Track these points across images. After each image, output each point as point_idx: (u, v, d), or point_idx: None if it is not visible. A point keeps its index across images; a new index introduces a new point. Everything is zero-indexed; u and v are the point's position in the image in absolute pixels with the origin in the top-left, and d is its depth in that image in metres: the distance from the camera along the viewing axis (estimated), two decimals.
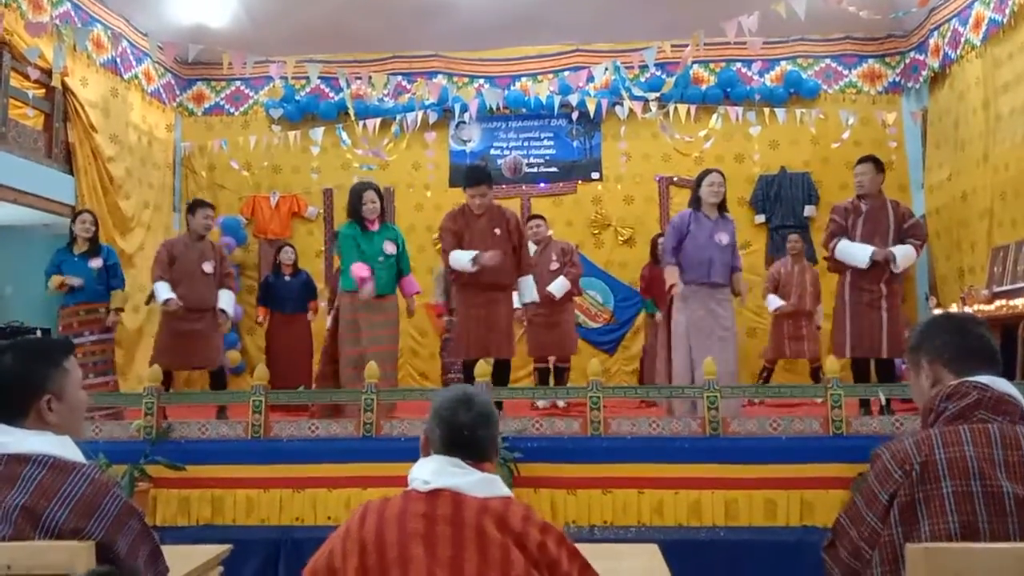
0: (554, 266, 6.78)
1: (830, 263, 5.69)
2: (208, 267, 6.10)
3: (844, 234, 5.48)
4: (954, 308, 6.61)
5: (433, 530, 1.60)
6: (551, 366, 6.97)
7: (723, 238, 5.37)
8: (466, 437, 1.75)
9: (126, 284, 6.56)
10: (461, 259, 5.39)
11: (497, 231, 5.52)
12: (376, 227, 5.68)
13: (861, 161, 5.55)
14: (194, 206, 6.29)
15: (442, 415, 1.79)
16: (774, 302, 7.39)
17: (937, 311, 7.03)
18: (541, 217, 7.18)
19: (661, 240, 6.50)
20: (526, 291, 5.72)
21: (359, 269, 5.37)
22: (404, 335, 9.47)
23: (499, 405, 5.32)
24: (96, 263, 6.23)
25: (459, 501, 1.65)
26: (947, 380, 1.76)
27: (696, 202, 5.56)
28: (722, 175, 5.56)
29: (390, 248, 5.66)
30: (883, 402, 4.90)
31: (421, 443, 1.84)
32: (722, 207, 5.54)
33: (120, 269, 6.46)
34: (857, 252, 5.35)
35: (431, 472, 1.71)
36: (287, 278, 7.65)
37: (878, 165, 5.49)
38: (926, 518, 1.57)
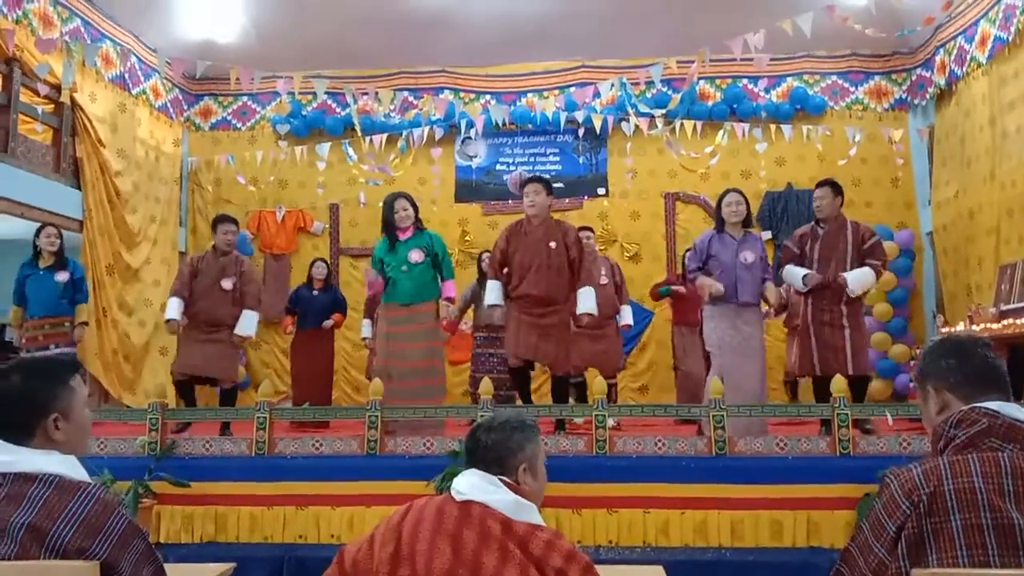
0: (604, 280, 6.64)
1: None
2: (227, 284, 6.02)
3: (795, 260, 5.51)
4: (961, 326, 6.57)
5: (461, 533, 1.73)
6: (583, 379, 6.65)
7: (748, 256, 5.34)
8: (481, 444, 1.96)
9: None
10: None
11: (552, 244, 5.39)
12: (407, 236, 5.60)
13: (819, 185, 5.59)
14: (216, 222, 6.25)
15: (471, 431, 2.02)
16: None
17: (944, 330, 6.99)
18: (589, 229, 7.08)
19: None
20: (585, 301, 5.45)
21: (368, 275, 5.39)
22: None
23: (560, 424, 5.37)
24: (62, 276, 6.25)
25: (487, 514, 1.77)
26: (955, 406, 1.73)
27: (720, 223, 5.54)
28: (740, 193, 5.53)
29: (415, 256, 5.51)
30: (890, 421, 4.87)
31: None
32: (747, 223, 5.52)
33: (85, 283, 6.50)
34: (796, 275, 5.42)
35: (468, 485, 1.85)
36: (315, 292, 7.59)
37: (835, 189, 5.50)
38: (935, 551, 1.54)
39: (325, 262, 7.86)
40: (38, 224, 7.45)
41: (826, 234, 5.46)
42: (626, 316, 6.78)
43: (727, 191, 5.61)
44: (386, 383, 4.92)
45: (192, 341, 5.97)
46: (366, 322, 7.36)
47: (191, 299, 5.98)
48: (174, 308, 5.90)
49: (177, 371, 6.00)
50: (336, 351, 8.76)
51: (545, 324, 5.37)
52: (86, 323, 6.45)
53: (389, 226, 5.63)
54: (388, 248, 5.62)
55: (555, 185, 9.80)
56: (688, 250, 7.10)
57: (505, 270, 5.60)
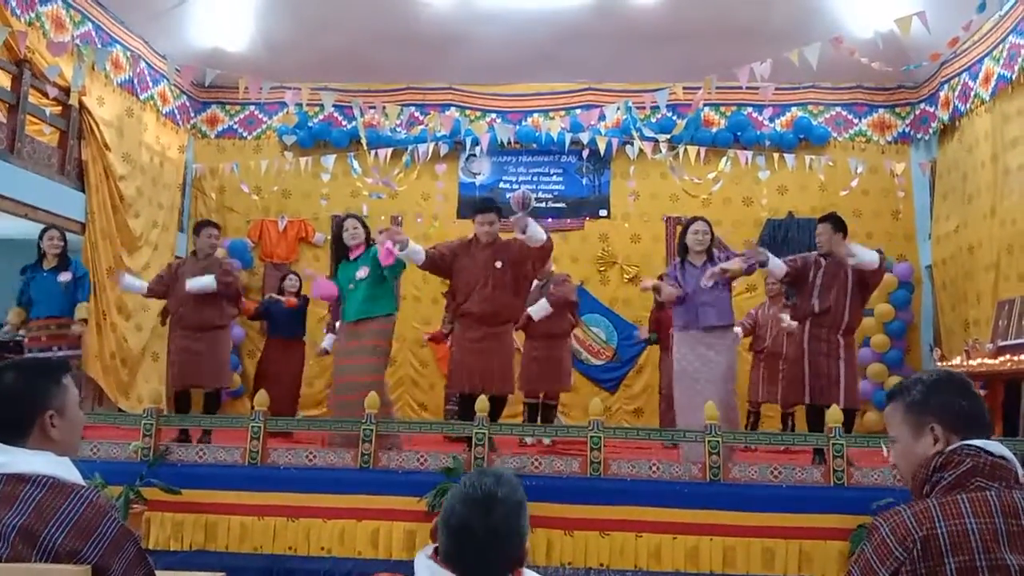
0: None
1: (791, 311, 5.74)
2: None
3: (796, 274, 5.49)
4: (958, 360, 6.58)
5: None
6: (540, 402, 6.83)
7: (706, 282, 5.35)
8: (474, 554, 1.47)
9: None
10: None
11: (499, 264, 5.39)
12: (358, 254, 5.61)
13: (820, 220, 5.61)
14: (199, 227, 6.26)
15: (451, 523, 1.49)
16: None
17: (939, 364, 6.99)
18: None
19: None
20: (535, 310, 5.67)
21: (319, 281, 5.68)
22: (404, 365, 9.51)
23: (491, 443, 5.28)
24: (65, 277, 6.25)
25: None
26: (952, 444, 1.70)
27: (683, 250, 5.62)
28: (707, 223, 5.58)
29: (361, 272, 5.49)
30: (885, 453, 4.86)
31: (433, 525, 1.62)
32: (709, 254, 5.54)
33: (88, 282, 6.50)
34: (778, 263, 5.39)
35: None
36: (283, 303, 7.63)
37: (836, 224, 5.51)
38: None
39: (297, 275, 7.94)
40: (41, 225, 7.49)
41: (828, 265, 5.47)
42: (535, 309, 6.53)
43: (695, 219, 5.68)
44: (333, 398, 4.94)
45: (180, 351, 5.94)
46: (328, 336, 7.30)
47: (174, 304, 6.02)
48: (136, 283, 6.20)
49: (172, 386, 6.08)
50: (329, 366, 8.72)
51: (489, 349, 5.36)
52: (85, 320, 6.43)
53: (339, 245, 5.71)
54: (342, 267, 5.68)
55: (558, 205, 9.92)
56: (661, 275, 7.11)
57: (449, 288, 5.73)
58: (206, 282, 5.85)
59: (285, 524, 4.40)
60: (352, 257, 5.62)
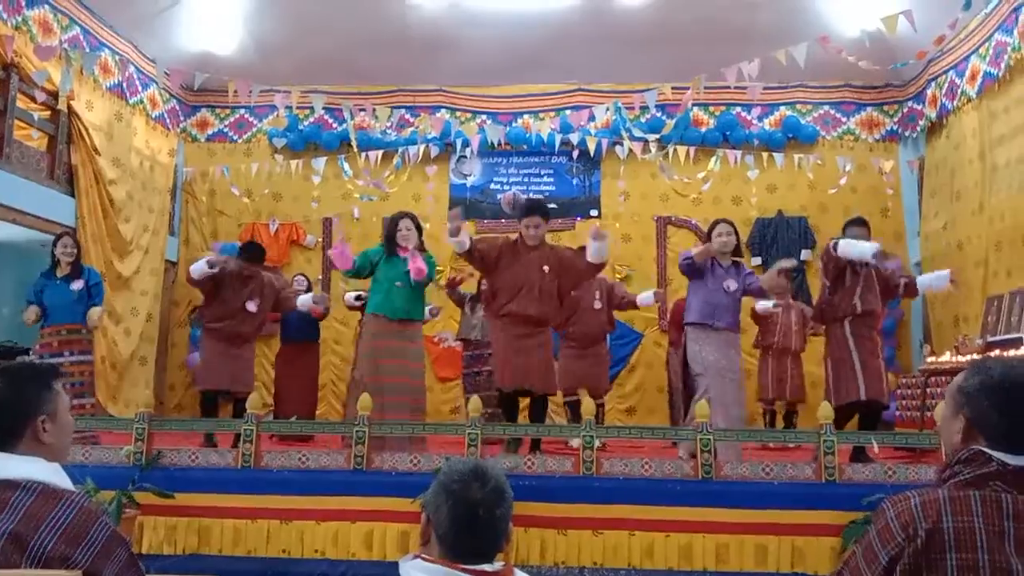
0: (597, 304, 6.70)
1: (821, 313, 5.75)
2: (251, 307, 6.14)
3: (838, 271, 5.51)
4: (948, 356, 6.61)
5: None
6: (577, 399, 6.79)
7: (731, 284, 5.45)
8: (480, 517, 1.51)
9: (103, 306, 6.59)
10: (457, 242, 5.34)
11: (546, 268, 5.41)
12: (405, 254, 5.60)
13: (853, 224, 5.68)
14: (245, 250, 6.39)
15: (451, 488, 1.53)
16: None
17: (929, 359, 7.02)
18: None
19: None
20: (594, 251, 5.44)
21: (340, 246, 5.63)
22: None
23: (536, 444, 5.39)
24: (77, 285, 6.24)
25: None
26: (977, 443, 1.66)
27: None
28: (731, 224, 5.61)
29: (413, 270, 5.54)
30: (875, 449, 4.90)
31: (421, 525, 1.59)
32: (736, 253, 5.61)
33: (102, 288, 6.48)
34: (863, 246, 5.34)
35: None
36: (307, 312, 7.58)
37: (868, 227, 5.68)
38: None
39: (306, 277, 7.91)
40: (30, 231, 7.48)
41: (869, 267, 5.52)
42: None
43: (718, 221, 5.68)
44: (376, 398, 4.89)
45: (217, 356, 6.10)
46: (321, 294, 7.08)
47: (214, 317, 6.15)
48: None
49: (202, 386, 6.21)
50: (324, 365, 8.73)
51: (531, 347, 5.38)
52: (95, 326, 6.42)
53: (389, 241, 5.67)
54: (385, 259, 5.65)
55: (549, 206, 9.88)
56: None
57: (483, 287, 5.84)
58: (310, 301, 6.45)
59: (279, 527, 4.39)
60: (402, 255, 5.61)
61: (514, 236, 5.63)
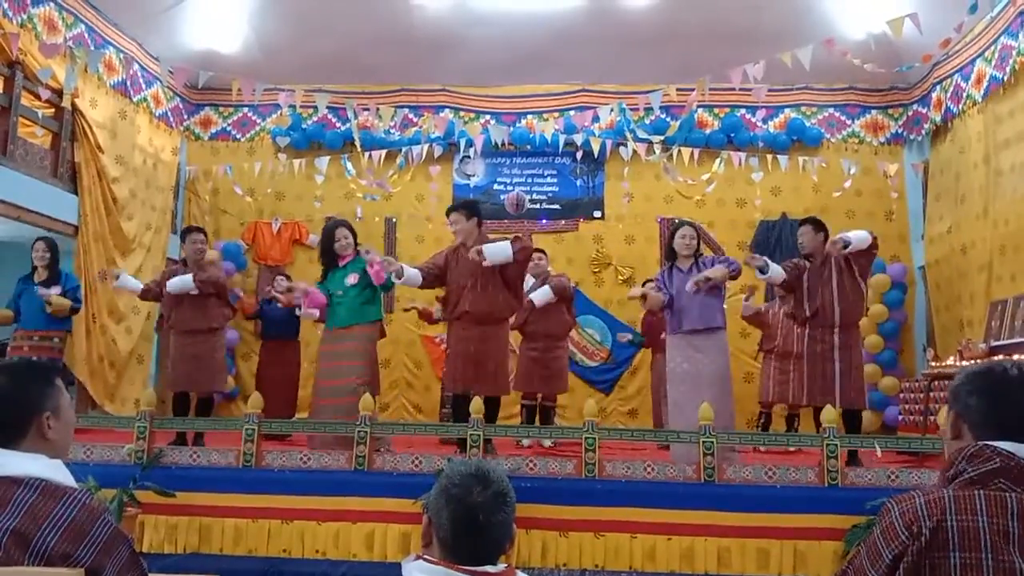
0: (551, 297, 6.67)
1: (792, 310, 5.77)
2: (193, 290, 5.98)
3: (793, 281, 5.54)
4: (951, 360, 6.60)
5: None
6: (538, 404, 6.84)
7: (691, 286, 5.34)
8: (480, 521, 1.50)
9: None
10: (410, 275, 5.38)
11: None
12: (345, 262, 5.66)
13: (802, 223, 5.74)
14: (184, 233, 6.27)
15: (452, 492, 1.52)
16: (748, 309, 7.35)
17: (932, 364, 7.00)
18: (541, 251, 7.17)
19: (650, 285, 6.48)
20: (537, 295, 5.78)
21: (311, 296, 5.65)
22: (399, 367, 9.51)
23: (488, 443, 5.29)
24: (55, 290, 6.28)
25: None
26: (967, 439, 1.69)
27: (671, 254, 5.71)
28: (693, 227, 5.70)
29: (351, 279, 5.56)
30: (879, 454, 4.88)
31: (423, 527, 1.58)
32: (697, 256, 5.61)
33: (79, 293, 6.53)
34: (777, 269, 5.43)
35: None
36: (278, 305, 7.64)
37: (817, 226, 5.63)
38: None
39: (286, 276, 8.06)
40: (34, 228, 7.48)
41: (812, 267, 5.55)
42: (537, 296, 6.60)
43: (680, 224, 5.79)
44: (316, 401, 5.13)
45: (178, 356, 6.00)
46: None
47: (167, 308, 6.08)
48: (132, 280, 6.24)
49: (168, 389, 6.10)
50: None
51: (483, 350, 5.38)
52: (48, 301, 6.36)
53: (328, 253, 5.70)
54: (330, 274, 5.71)
55: (552, 206, 9.92)
56: (647, 281, 7.14)
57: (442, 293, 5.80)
58: (184, 281, 5.86)
59: (280, 526, 4.39)
60: (341, 264, 5.66)
61: (456, 242, 5.66)
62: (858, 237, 5.31)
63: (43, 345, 6.28)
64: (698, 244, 5.63)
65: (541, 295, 6.53)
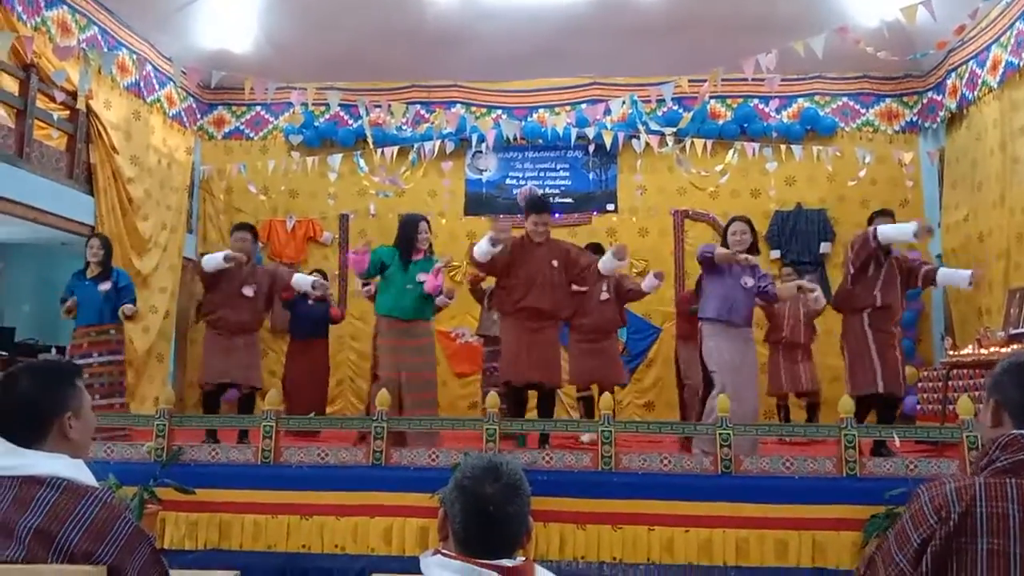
0: (604, 296, 6.64)
1: (840, 302, 5.81)
2: (248, 291, 6.10)
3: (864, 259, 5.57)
4: (970, 349, 6.54)
5: None
6: (595, 394, 6.74)
7: (748, 281, 5.44)
8: (492, 513, 1.51)
9: (137, 304, 6.68)
10: (482, 245, 5.47)
11: (554, 263, 5.62)
12: (419, 257, 5.70)
13: (884, 215, 5.80)
14: (233, 230, 6.44)
15: (464, 485, 1.54)
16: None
17: (951, 353, 6.94)
18: (597, 246, 7.12)
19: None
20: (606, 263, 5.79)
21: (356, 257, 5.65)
22: (344, 364, 9.50)
23: (544, 438, 5.48)
24: (105, 286, 6.33)
25: None
26: (1008, 428, 1.68)
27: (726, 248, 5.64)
28: (747, 222, 5.59)
29: (422, 277, 5.62)
30: (897, 443, 4.86)
31: (439, 520, 1.60)
32: (752, 251, 5.58)
33: (132, 289, 6.57)
34: (904, 226, 5.48)
35: None
36: (310, 302, 7.63)
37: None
38: (955, 570, 1.53)
39: (323, 273, 7.90)
40: (51, 229, 7.55)
41: (890, 260, 5.65)
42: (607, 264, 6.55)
43: (733, 219, 5.69)
44: (396, 396, 5.04)
45: (217, 349, 6.06)
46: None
47: (215, 305, 6.10)
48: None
49: (205, 380, 6.12)
50: (342, 362, 8.75)
51: (539, 342, 5.53)
52: (129, 317, 6.57)
53: (406, 243, 5.70)
54: (399, 261, 5.68)
55: (565, 200, 9.91)
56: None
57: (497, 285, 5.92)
58: (307, 282, 6.29)
59: (299, 522, 4.42)
60: (415, 258, 5.69)
61: (520, 234, 5.80)
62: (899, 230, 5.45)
63: (101, 339, 6.34)
64: (754, 238, 5.58)
65: (607, 262, 6.17)
